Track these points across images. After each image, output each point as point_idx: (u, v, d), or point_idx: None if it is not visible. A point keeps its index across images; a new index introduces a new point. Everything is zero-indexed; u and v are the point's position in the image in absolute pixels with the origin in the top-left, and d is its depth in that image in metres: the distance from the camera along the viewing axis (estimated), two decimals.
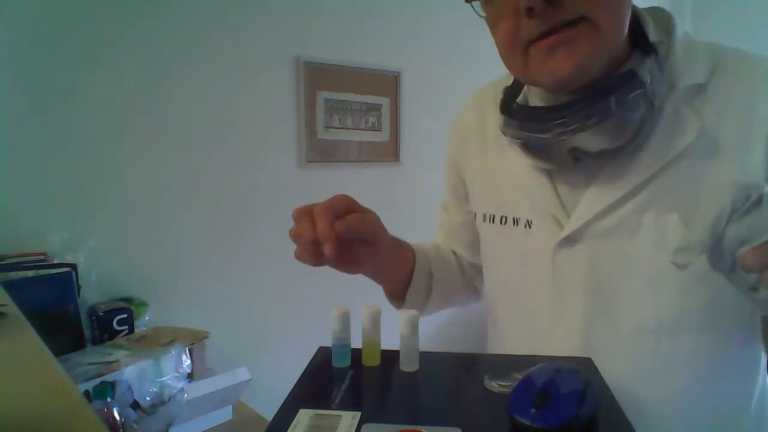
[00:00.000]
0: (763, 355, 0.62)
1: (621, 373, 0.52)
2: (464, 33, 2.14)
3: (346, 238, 0.56)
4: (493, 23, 0.56)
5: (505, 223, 0.67)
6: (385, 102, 2.05)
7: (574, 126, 0.52)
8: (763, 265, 0.38)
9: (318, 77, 1.85)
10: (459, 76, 2.20)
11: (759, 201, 0.39)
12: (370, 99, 2.01)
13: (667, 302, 0.52)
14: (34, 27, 1.33)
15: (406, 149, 2.12)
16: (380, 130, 2.06)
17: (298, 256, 0.57)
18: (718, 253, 0.41)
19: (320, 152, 1.89)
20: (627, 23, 0.54)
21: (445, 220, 0.84)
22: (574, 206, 0.60)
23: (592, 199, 0.58)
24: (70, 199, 1.41)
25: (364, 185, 2.02)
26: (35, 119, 1.35)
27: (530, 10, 0.50)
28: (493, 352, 0.78)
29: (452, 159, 0.79)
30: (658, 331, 0.57)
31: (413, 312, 0.57)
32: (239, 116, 1.70)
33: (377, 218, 0.62)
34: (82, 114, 1.41)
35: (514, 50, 0.54)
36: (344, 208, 0.57)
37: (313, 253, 0.55)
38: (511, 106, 0.62)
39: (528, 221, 0.65)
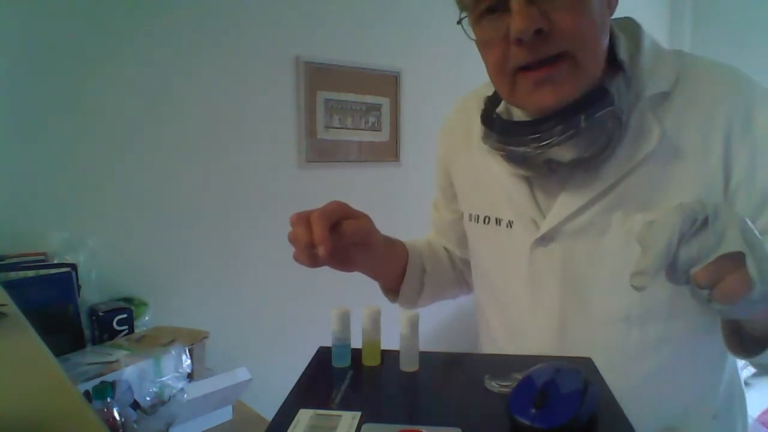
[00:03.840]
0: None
1: (595, 361, 0.56)
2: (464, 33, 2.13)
3: (340, 242, 0.61)
4: (483, 46, 0.61)
5: (489, 223, 0.73)
6: (385, 102, 2.05)
7: (548, 141, 0.58)
8: (712, 282, 0.43)
9: (318, 77, 1.85)
10: (459, 76, 2.20)
11: (705, 223, 0.43)
12: (370, 99, 2.01)
13: (633, 294, 0.54)
14: (35, 28, 1.33)
15: (406, 149, 2.12)
16: (380, 130, 2.06)
17: (296, 259, 0.61)
18: (674, 272, 0.45)
19: (320, 152, 1.89)
20: (604, 57, 0.59)
21: (437, 218, 0.88)
22: (549, 209, 0.65)
23: (564, 203, 0.64)
24: (70, 199, 1.41)
25: (364, 185, 2.02)
26: (36, 119, 1.35)
27: (519, 41, 0.54)
28: (483, 345, 0.83)
29: (441, 161, 0.84)
30: (627, 321, 0.62)
31: (413, 312, 0.57)
32: (239, 116, 1.70)
33: (370, 221, 0.67)
34: (82, 114, 1.41)
35: (503, 74, 0.59)
36: (338, 214, 0.62)
37: (309, 255, 0.59)
38: (491, 117, 0.67)
39: (509, 222, 0.70)
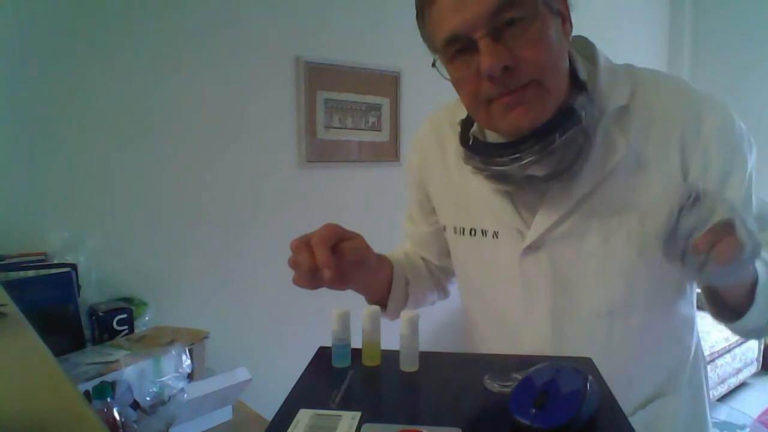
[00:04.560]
0: (696, 316, 0.78)
1: (586, 352, 0.62)
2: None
3: (341, 263, 0.64)
4: (456, 82, 0.66)
5: (475, 234, 0.77)
6: (385, 102, 2.05)
7: (528, 159, 0.62)
8: (709, 247, 0.48)
9: (318, 77, 1.85)
10: None
11: (698, 198, 0.50)
12: (370, 99, 2.01)
13: (615, 290, 0.67)
14: (37, 29, 1.33)
15: (406, 149, 2.12)
16: (380, 130, 2.06)
17: (297, 282, 0.64)
18: (673, 242, 0.51)
19: (320, 152, 1.89)
20: (567, 79, 0.65)
21: (413, 230, 0.92)
22: (532, 220, 0.71)
23: (545, 214, 0.69)
24: (70, 199, 1.41)
25: (364, 185, 2.02)
26: (36, 120, 1.35)
27: (491, 77, 0.60)
28: (475, 350, 0.86)
29: (416, 177, 0.88)
30: (611, 314, 0.70)
31: (413, 312, 0.57)
32: (240, 116, 1.70)
33: (364, 241, 0.70)
34: (81, 115, 1.42)
35: (479, 106, 0.65)
36: (335, 236, 0.65)
37: (311, 278, 0.62)
38: (468, 139, 0.72)
39: (495, 232, 0.75)
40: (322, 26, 1.87)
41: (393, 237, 0.98)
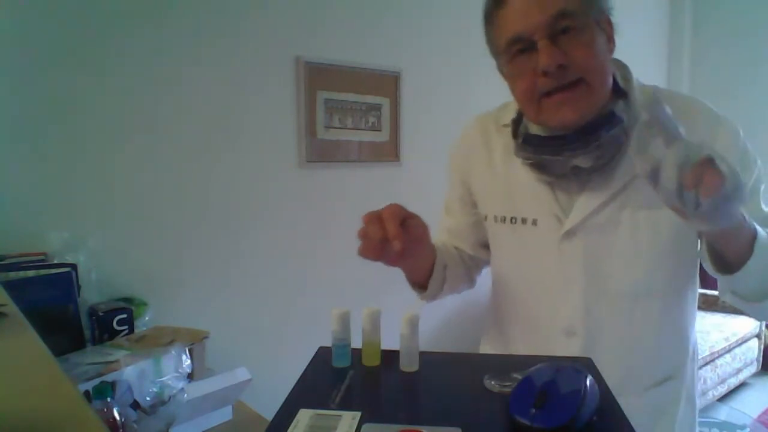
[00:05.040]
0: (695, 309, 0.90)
1: (612, 329, 0.80)
2: (464, 33, 2.14)
3: (407, 237, 0.69)
4: (514, 77, 0.77)
5: (515, 222, 0.86)
6: (385, 102, 2.05)
7: (580, 151, 0.74)
8: (697, 181, 0.52)
9: (318, 77, 1.85)
10: (459, 76, 2.20)
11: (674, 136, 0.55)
12: (370, 99, 2.01)
13: (639, 276, 0.79)
14: (36, 28, 1.33)
15: (406, 149, 2.12)
16: (380, 130, 2.06)
17: (363, 252, 0.68)
18: (664, 180, 0.55)
19: (320, 152, 1.89)
20: (610, 84, 0.77)
21: (451, 222, 1.00)
22: (570, 208, 0.80)
23: (584, 202, 0.79)
24: (70, 199, 1.41)
25: (364, 185, 2.02)
26: (36, 120, 1.35)
27: (546, 73, 0.71)
28: (498, 335, 0.94)
29: (458, 173, 0.96)
30: (635, 297, 0.80)
31: (413, 312, 0.57)
32: (239, 117, 1.70)
33: (423, 221, 0.76)
34: (82, 115, 1.42)
35: (531, 100, 0.75)
36: (403, 214, 0.71)
37: (379, 249, 0.67)
38: (519, 135, 0.82)
39: (534, 220, 0.84)
40: (322, 26, 1.87)
41: None
